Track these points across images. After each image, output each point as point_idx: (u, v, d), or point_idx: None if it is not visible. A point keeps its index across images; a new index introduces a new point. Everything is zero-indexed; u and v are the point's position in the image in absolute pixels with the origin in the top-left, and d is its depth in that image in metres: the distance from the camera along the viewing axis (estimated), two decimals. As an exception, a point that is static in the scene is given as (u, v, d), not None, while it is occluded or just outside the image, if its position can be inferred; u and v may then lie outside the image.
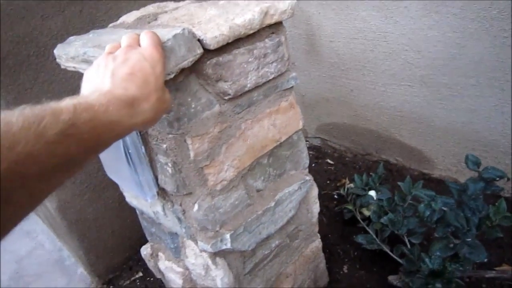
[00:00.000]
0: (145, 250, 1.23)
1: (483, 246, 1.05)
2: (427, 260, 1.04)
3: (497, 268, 1.34)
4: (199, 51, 0.73)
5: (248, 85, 0.85)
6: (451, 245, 1.07)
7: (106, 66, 0.57)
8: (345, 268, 1.45)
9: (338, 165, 2.05)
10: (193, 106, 0.78)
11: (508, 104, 1.43)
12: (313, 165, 2.09)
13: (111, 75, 0.55)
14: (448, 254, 1.07)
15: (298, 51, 2.01)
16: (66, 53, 0.84)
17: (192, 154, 0.81)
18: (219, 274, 0.97)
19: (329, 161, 2.09)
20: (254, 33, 0.83)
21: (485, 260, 1.03)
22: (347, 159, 2.09)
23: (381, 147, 1.96)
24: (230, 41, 0.77)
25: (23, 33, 1.21)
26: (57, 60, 0.89)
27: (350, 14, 1.67)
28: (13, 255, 1.89)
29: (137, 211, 1.18)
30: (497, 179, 1.00)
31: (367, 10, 1.61)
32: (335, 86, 1.95)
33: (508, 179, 1.01)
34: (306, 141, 2.30)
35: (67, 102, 0.43)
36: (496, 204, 1.01)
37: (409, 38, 1.55)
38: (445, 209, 1.04)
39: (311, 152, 2.20)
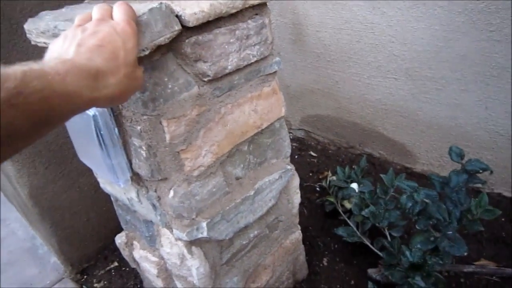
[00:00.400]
0: (119, 239, 1.19)
1: (464, 240, 1.04)
2: (407, 253, 1.02)
3: (475, 263, 1.34)
4: (177, 27, 0.69)
5: (229, 67, 0.82)
6: (432, 239, 1.06)
7: (74, 37, 0.53)
8: (325, 261, 1.43)
9: (321, 158, 2.03)
10: (169, 86, 0.74)
11: (492, 99, 1.43)
12: (296, 157, 2.06)
13: (77, 45, 0.51)
14: (429, 247, 1.06)
15: (284, 41, 1.97)
16: (37, 28, 0.79)
17: (167, 137, 0.77)
18: (195, 264, 0.94)
19: (312, 153, 2.07)
20: (236, 13, 0.80)
21: (465, 253, 1.02)
22: (330, 151, 2.07)
23: (365, 140, 1.94)
24: (210, 19, 0.74)
25: (-6, 8, 1.15)
26: (28, 35, 0.84)
27: (337, 3, 1.65)
28: (-16, 242, 1.82)
29: (112, 198, 1.13)
30: (481, 171, 0.99)
31: (354, 0, 1.58)
32: (320, 77, 1.92)
33: (491, 172, 1.00)
34: (290, 132, 2.27)
35: (16, 68, 0.39)
36: (478, 197, 1.00)
37: (396, 29, 1.54)
38: (427, 201, 1.03)
39: (294, 144, 2.17)
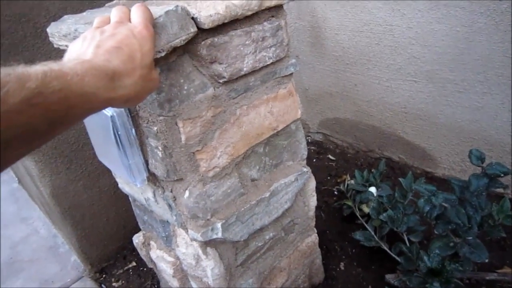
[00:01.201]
0: (137, 239, 1.21)
1: (485, 247, 1.02)
2: (425, 258, 1.00)
3: (498, 271, 1.30)
4: (193, 29, 0.70)
5: (245, 69, 0.82)
6: (451, 244, 1.03)
7: (92, 38, 0.55)
8: (342, 265, 1.42)
9: (339, 161, 2.01)
10: (185, 87, 0.75)
11: (516, 102, 1.39)
12: (314, 160, 2.05)
13: (96, 46, 0.52)
14: (448, 253, 1.04)
15: (303, 44, 1.97)
16: (59, 31, 0.81)
17: (183, 137, 0.78)
18: (210, 265, 0.94)
19: (330, 156, 2.06)
20: (252, 15, 0.80)
21: (486, 260, 0.99)
22: (349, 155, 2.05)
23: (384, 144, 1.92)
24: (226, 21, 0.74)
25: (20, 12, 1.18)
26: (50, 38, 0.86)
27: (356, 6, 1.63)
28: (8, 240, 1.88)
29: (130, 198, 1.15)
30: (502, 175, 0.96)
31: (373, 2, 1.57)
32: (339, 80, 1.91)
33: (513, 176, 0.97)
34: (308, 136, 2.26)
35: (37, 68, 0.40)
36: (500, 202, 0.98)
37: (416, 31, 1.51)
38: (446, 205, 1.00)
39: (313, 147, 2.16)
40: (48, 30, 0.84)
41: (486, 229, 0.98)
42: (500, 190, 1.51)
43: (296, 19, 1.92)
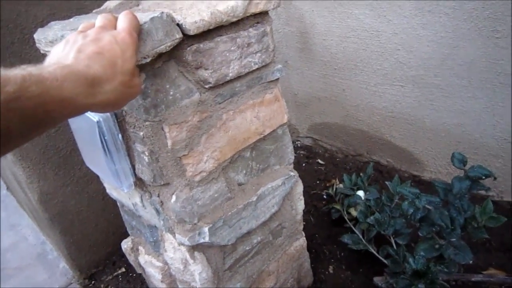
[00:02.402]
0: (125, 244, 1.21)
1: (470, 248, 1.03)
2: (411, 260, 1.01)
3: (484, 272, 1.32)
4: (178, 35, 0.71)
5: (230, 75, 0.83)
6: (437, 246, 1.05)
7: (74, 42, 0.55)
8: (330, 269, 1.43)
9: (328, 165, 2.03)
10: (171, 93, 0.76)
11: (499, 106, 1.42)
12: (304, 164, 2.07)
13: (77, 50, 0.53)
14: (433, 255, 1.05)
15: (291, 49, 1.99)
16: (45, 37, 0.82)
17: (169, 142, 0.78)
18: (197, 269, 0.95)
19: (319, 161, 2.07)
20: (238, 21, 0.81)
21: (470, 262, 1.01)
22: (337, 159, 2.07)
23: (372, 148, 1.94)
24: (211, 27, 0.75)
25: (7, 18, 1.18)
26: (37, 44, 0.87)
27: (343, 12, 1.66)
28: (-4, 248, 1.86)
29: (118, 204, 1.15)
30: (483, 177, 0.98)
31: (360, 8, 1.59)
32: (328, 85, 1.93)
33: (495, 178, 0.99)
34: (298, 140, 2.28)
35: (16, 72, 0.40)
36: (482, 204, 0.99)
37: (401, 37, 1.54)
38: (429, 207, 1.02)
39: (302, 152, 2.18)
40: (35, 36, 0.85)
41: (470, 231, 1.00)
42: (483, 192, 1.54)
43: (284, 24, 1.94)
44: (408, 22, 1.49)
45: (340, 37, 1.74)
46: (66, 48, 0.54)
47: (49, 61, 0.54)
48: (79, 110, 0.49)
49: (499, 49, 1.33)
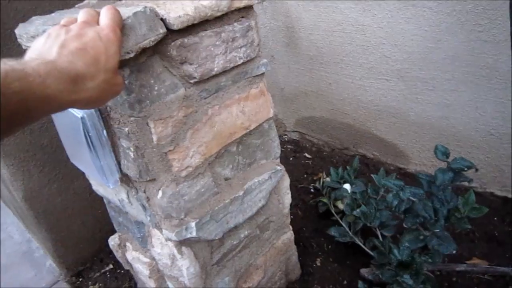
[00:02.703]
0: (112, 241, 1.20)
1: (453, 239, 1.05)
2: (395, 251, 1.03)
3: (467, 262, 1.35)
4: (162, 30, 0.70)
5: (215, 69, 0.83)
6: (421, 237, 1.07)
7: (57, 37, 0.54)
8: (318, 261, 1.44)
9: (315, 159, 2.04)
10: (156, 88, 0.76)
11: (482, 99, 1.44)
12: (291, 159, 2.07)
13: (60, 45, 0.52)
14: (418, 246, 1.07)
15: (278, 44, 1.99)
16: (27, 32, 0.80)
17: (155, 138, 0.78)
18: (185, 264, 0.95)
19: (307, 155, 2.09)
20: (222, 16, 0.81)
21: (454, 252, 1.03)
22: (324, 153, 2.08)
23: (358, 142, 1.96)
24: (195, 22, 0.75)
25: (-12, 14, 1.16)
26: (19, 40, 0.85)
27: (329, 6, 1.66)
28: (-19, 247, 1.84)
29: (105, 200, 1.15)
30: (466, 169, 1.00)
31: (345, 2, 1.60)
32: (314, 79, 1.94)
33: (477, 170, 1.01)
34: (285, 135, 2.29)
35: None
36: (465, 195, 1.01)
37: (386, 31, 1.55)
38: (413, 199, 1.04)
39: (289, 146, 2.19)
40: (16, 31, 0.83)
41: (453, 222, 1.01)
42: (465, 183, 1.57)
43: (270, 19, 1.94)
44: (392, 16, 1.50)
45: (326, 31, 1.74)
46: (48, 42, 0.53)
47: (31, 55, 0.53)
48: (62, 106, 0.49)
49: (482, 43, 1.35)
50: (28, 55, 0.53)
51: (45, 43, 0.53)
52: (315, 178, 1.88)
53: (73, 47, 0.53)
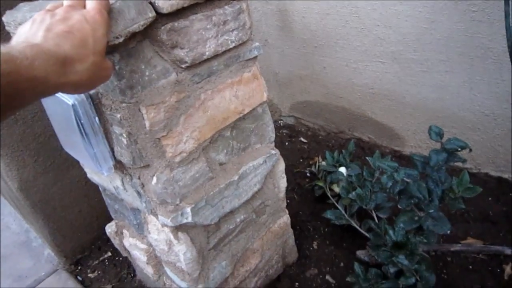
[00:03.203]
0: (109, 228, 1.21)
1: (448, 219, 1.06)
2: (391, 232, 1.04)
3: (462, 242, 1.36)
4: (151, 14, 0.69)
5: (207, 53, 0.82)
6: (416, 218, 1.07)
7: (42, 21, 0.54)
8: (314, 244, 1.45)
9: (311, 143, 2.04)
10: (147, 73, 0.75)
11: (476, 80, 1.44)
12: (287, 143, 2.07)
13: (46, 29, 0.51)
14: (413, 227, 1.08)
15: (271, 28, 1.97)
16: (14, 19, 0.79)
17: (147, 124, 0.78)
18: (182, 249, 0.95)
19: (302, 139, 2.08)
20: (212, -1, 0.80)
21: (449, 232, 1.04)
22: (320, 137, 2.08)
23: (354, 125, 1.96)
24: (185, 5, 0.74)
25: (-25, 1, 1.14)
26: (6, 27, 0.84)
27: (322, -12, 1.64)
28: (-22, 237, 1.84)
29: (100, 188, 1.15)
30: (460, 149, 1.00)
31: (339, -16, 1.58)
32: (308, 63, 1.93)
33: (470, 150, 1.01)
34: (280, 119, 2.28)
35: None
36: (460, 176, 1.02)
37: (380, 13, 1.54)
38: (408, 180, 1.04)
39: (285, 131, 2.18)
40: (4, 19, 0.82)
41: (447, 202, 1.02)
42: (459, 164, 1.58)
43: (264, 3, 1.91)
44: (386, -3, 1.49)
45: (319, 14, 1.73)
46: (34, 27, 0.53)
47: (17, 40, 0.52)
48: (51, 89, 0.48)
49: (476, 23, 1.34)
50: (14, 40, 0.53)
51: (31, 28, 0.53)
52: (311, 162, 1.88)
53: (59, 30, 0.52)
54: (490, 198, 1.52)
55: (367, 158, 1.29)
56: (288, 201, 1.26)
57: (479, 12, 1.32)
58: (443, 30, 1.42)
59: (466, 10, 1.34)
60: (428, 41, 1.47)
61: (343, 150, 1.55)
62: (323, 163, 1.68)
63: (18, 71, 0.42)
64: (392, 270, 1.04)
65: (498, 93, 1.42)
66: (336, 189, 1.51)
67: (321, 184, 1.55)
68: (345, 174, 1.44)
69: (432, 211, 1.00)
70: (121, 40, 0.66)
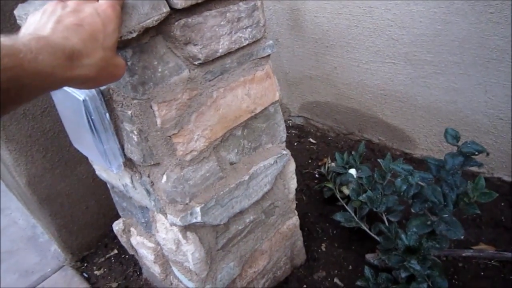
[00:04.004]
0: (117, 226, 1.20)
1: (461, 224, 1.04)
2: (403, 236, 1.02)
3: (474, 247, 1.34)
4: (165, 9, 0.68)
5: (220, 51, 0.81)
6: (428, 222, 1.05)
7: (52, 12, 0.52)
8: (323, 246, 1.44)
9: (320, 144, 2.02)
10: (159, 70, 0.74)
11: (491, 82, 1.41)
12: (296, 144, 2.06)
13: (55, 21, 0.50)
14: (425, 231, 1.06)
15: (282, 27, 1.95)
16: (26, 13, 0.78)
17: (159, 121, 0.76)
18: (190, 249, 0.94)
19: (311, 140, 2.07)
20: (227, -5, 0.78)
21: (462, 237, 1.02)
22: (329, 138, 2.06)
23: (364, 126, 1.93)
24: (200, 1, 0.73)
25: (-14, -5, 1.14)
26: (18, 21, 0.83)
27: (335, -13, 1.62)
28: (-15, 232, 1.84)
29: (108, 185, 1.14)
30: (476, 153, 0.98)
31: (352, -17, 1.56)
32: (319, 63, 1.91)
33: (488, 154, 0.99)
34: (289, 119, 2.26)
35: None
36: (475, 180, 1.00)
37: (394, 13, 1.51)
38: (422, 184, 1.02)
39: (294, 131, 2.17)
40: (16, 12, 0.81)
41: (462, 207, 1.00)
42: (475, 168, 1.55)
43: (275, 1, 1.89)
44: (401, -3, 1.46)
45: (331, 13, 1.70)
46: (44, 18, 0.51)
47: (25, 31, 0.51)
48: (57, 83, 0.47)
49: (493, 25, 1.31)
50: (22, 31, 0.52)
51: (41, 19, 0.52)
52: (320, 163, 1.87)
53: (69, 22, 0.51)
54: (502, 203, 1.50)
55: (378, 160, 1.27)
56: (297, 202, 1.24)
57: (496, 14, 1.29)
58: (458, 32, 1.39)
59: (483, 11, 1.31)
60: (442, 43, 1.45)
61: (353, 152, 1.53)
62: (333, 164, 1.66)
63: (21, 65, 0.40)
64: (403, 275, 1.02)
65: (513, 97, 1.39)
66: (346, 191, 1.49)
67: (330, 185, 1.53)
68: (355, 176, 1.42)
69: (446, 215, 0.98)
70: (134, 35, 0.65)
